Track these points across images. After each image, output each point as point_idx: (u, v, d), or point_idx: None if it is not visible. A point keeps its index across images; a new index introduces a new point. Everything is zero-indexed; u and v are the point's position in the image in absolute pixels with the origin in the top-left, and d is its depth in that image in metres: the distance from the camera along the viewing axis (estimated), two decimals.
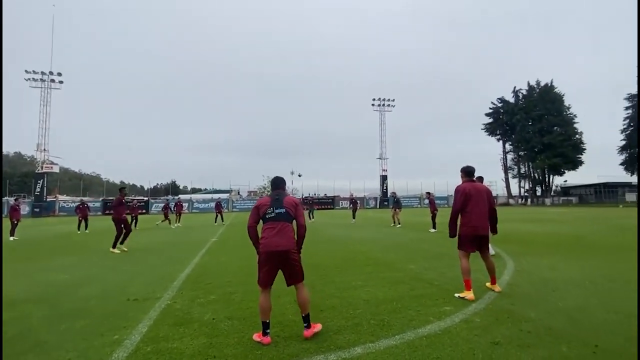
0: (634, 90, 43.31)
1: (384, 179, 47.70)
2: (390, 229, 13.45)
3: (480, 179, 6.82)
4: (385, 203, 45.66)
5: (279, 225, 2.97)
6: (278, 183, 3.27)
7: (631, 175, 45.77)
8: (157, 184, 76.87)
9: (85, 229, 14.45)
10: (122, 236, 8.38)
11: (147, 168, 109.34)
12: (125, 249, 8.45)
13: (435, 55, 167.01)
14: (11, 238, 11.57)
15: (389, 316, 3.39)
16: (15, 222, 12.09)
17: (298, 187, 51.08)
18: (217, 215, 18.81)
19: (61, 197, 41.47)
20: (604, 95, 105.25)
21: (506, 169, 56.88)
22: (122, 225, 8.29)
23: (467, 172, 4.27)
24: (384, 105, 49.23)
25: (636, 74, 42.19)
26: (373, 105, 49.33)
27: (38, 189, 35.70)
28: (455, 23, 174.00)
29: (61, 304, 4.04)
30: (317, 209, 30.83)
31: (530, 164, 52.91)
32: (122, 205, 8.44)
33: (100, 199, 40.28)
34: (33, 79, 37.50)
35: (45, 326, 3.33)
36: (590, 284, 4.45)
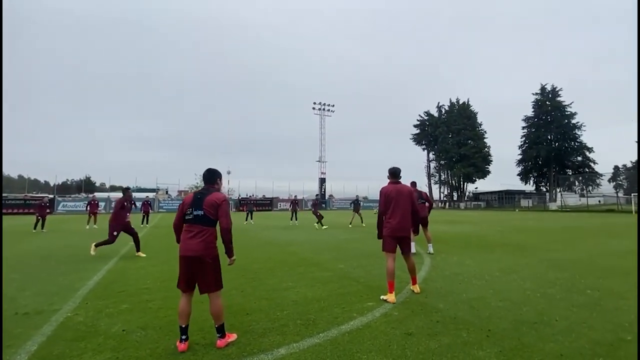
0: (529, 113, 51.71)
1: (322, 181, 48.81)
2: (324, 230, 13.76)
3: (413, 183, 7.33)
4: (324, 205, 46.74)
5: (195, 228, 2.76)
6: (209, 177, 2.99)
7: (525, 184, 54.54)
8: (67, 179, 67.06)
9: None
10: (136, 242, 7.42)
11: (53, 161, 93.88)
12: (143, 255, 7.24)
13: (374, 67, 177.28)
14: None
15: (315, 315, 3.45)
16: None
17: (234, 187, 49.33)
18: (143, 216, 17.08)
19: None
20: (507, 115, 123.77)
21: (429, 176, 62.96)
22: (116, 233, 7.10)
23: (393, 173, 4.33)
24: (324, 109, 50.52)
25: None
26: (314, 108, 50.29)
27: None
28: (391, 40, 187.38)
29: None
30: (256, 210, 30.08)
31: (449, 171, 59.38)
32: (124, 209, 7.23)
33: None
34: None
35: None
36: (489, 277, 5.15)
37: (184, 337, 2.67)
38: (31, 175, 72.39)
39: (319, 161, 49.52)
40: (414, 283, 4.35)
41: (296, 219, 18.34)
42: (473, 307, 3.70)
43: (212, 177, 3.01)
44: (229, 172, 50.80)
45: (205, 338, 2.88)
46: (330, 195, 51.30)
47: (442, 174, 62.46)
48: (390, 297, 3.91)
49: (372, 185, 56.47)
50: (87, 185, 57.85)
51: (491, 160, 56.25)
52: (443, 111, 61.20)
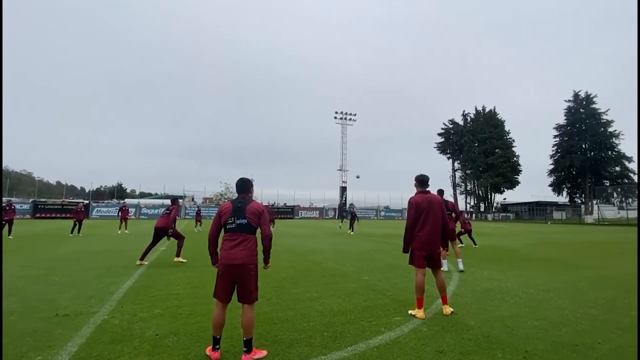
0: (561, 121, 49.36)
1: (343, 190, 48.67)
2: (346, 239, 13.66)
3: (441, 192, 6.71)
4: (344, 214, 46.51)
5: (239, 237, 2.81)
6: (243, 187, 3.04)
7: (557, 195, 51.72)
8: (101, 186, 70.79)
9: (9, 234, 12.72)
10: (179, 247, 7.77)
11: (89, 169, 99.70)
12: (184, 260, 7.52)
13: (397, 75, 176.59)
14: None
15: (342, 328, 3.41)
16: None
17: (257, 195, 50.10)
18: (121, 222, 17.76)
19: None
20: (537, 124, 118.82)
21: (455, 186, 61.18)
22: (159, 236, 7.55)
23: (421, 181, 4.04)
24: (345, 118, 50.69)
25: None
26: (335, 117, 50.57)
27: None
28: (414, 48, 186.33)
29: None
30: (277, 218, 30.42)
31: (475, 181, 57.48)
32: (168, 214, 7.75)
33: (30, 200, 35.92)
34: None
35: None
36: (523, 294, 4.89)
37: (217, 346, 2.71)
38: (68, 182, 77.20)
39: (340, 170, 49.53)
40: (445, 302, 3.94)
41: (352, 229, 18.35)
42: (507, 325, 3.52)
43: (245, 186, 3.07)
44: (252, 179, 51.66)
45: (234, 346, 2.92)
46: (351, 204, 51.01)
47: (468, 183, 60.59)
48: (420, 313, 3.76)
49: (395, 195, 55.63)
50: (119, 192, 60.80)
51: (520, 170, 54.01)
52: (468, 119, 59.72)
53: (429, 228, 3.86)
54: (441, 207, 4.01)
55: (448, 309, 3.86)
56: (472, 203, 60.40)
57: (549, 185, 51.99)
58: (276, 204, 44.76)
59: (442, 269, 6.53)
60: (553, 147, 50.86)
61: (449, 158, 62.09)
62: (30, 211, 32.25)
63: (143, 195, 59.61)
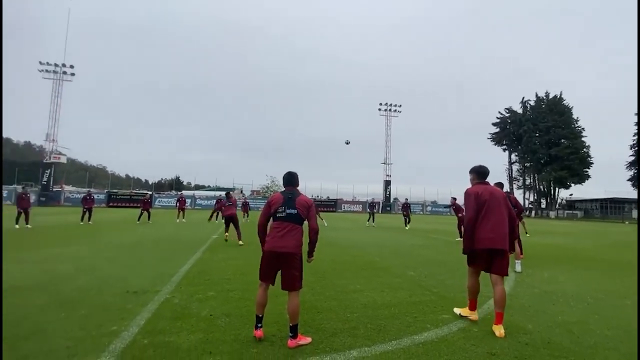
0: None
1: (387, 183, 47.60)
2: (391, 234, 13.39)
3: (500, 185, 5.57)
4: (388, 208, 45.56)
5: (288, 226, 2.92)
6: (291, 180, 3.13)
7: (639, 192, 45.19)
8: (162, 178, 77.43)
9: (89, 220, 14.56)
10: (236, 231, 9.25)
11: (151, 162, 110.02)
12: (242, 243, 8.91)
13: (443, 63, 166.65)
14: (16, 226, 11.70)
15: (386, 321, 3.38)
16: (21, 210, 12.15)
17: (301, 188, 51.09)
18: (218, 213, 18.97)
19: (67, 188, 41.90)
20: (611, 110, 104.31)
21: (511, 180, 56.48)
22: (229, 222, 9.34)
23: (480, 172, 3.54)
24: (390, 110, 49.22)
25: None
26: (379, 110, 49.33)
27: (45, 179, 36.11)
28: (461, 34, 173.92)
29: (61, 293, 4.08)
30: (320, 211, 30.75)
31: (536, 175, 52.49)
32: (231, 205, 9.59)
33: (105, 191, 40.62)
34: (46, 70, 38.03)
35: (44, 314, 3.36)
36: (591, 299, 4.40)
37: (259, 325, 2.86)
38: (135, 175, 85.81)
39: (384, 163, 48.40)
40: (499, 321, 3.14)
41: (371, 221, 18.53)
42: (572, 332, 3.20)
43: (294, 179, 3.17)
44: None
45: (281, 331, 3.04)
46: (395, 199, 49.73)
47: (527, 177, 55.58)
48: (472, 314, 3.44)
49: (442, 190, 53.06)
50: (176, 184, 66.09)
51: (591, 163, 48.14)
52: (528, 107, 54.47)
53: (492, 222, 3.26)
54: (505, 199, 3.43)
55: (501, 330, 3.07)
56: (531, 199, 55.36)
57: (628, 180, 45.65)
58: (319, 197, 45.27)
59: (516, 270, 5.47)
60: (633, 136, 44.42)
61: (505, 150, 57.41)
62: (105, 200, 36.51)
63: (197, 187, 64.22)
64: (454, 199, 12.04)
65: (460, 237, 11.28)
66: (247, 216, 19.80)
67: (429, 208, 48.18)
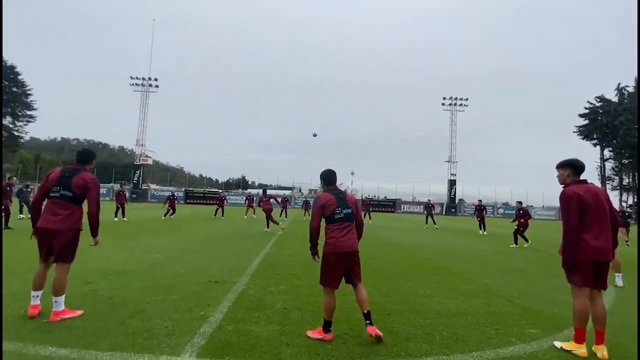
0: None
1: (452, 183, 44.67)
2: (458, 237, 12.55)
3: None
4: (453, 210, 42.78)
5: (348, 225, 2.97)
6: (333, 179, 3.18)
7: None
8: (230, 178, 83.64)
9: (171, 215, 16.40)
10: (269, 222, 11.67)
11: (220, 163, 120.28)
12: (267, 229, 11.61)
13: (516, 51, 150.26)
14: (115, 219, 13.72)
15: (463, 330, 3.18)
16: (118, 205, 14.25)
17: (358, 187, 50.78)
18: (282, 210, 19.93)
19: (152, 186, 47.78)
20: None
21: (604, 179, 48.59)
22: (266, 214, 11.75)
23: (577, 167, 2.96)
24: (455, 104, 46.08)
25: None
26: (443, 104, 46.50)
27: (136, 178, 41.73)
28: (537, 18, 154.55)
29: (156, 278, 4.67)
30: (373, 211, 30.10)
31: (636, 174, 44.36)
32: (267, 201, 12.13)
33: (183, 189, 45.34)
34: (136, 84, 43.86)
35: (144, 296, 3.87)
36: None
37: (330, 329, 2.86)
38: (207, 174, 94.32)
39: (448, 161, 45.53)
40: (600, 341, 2.76)
41: (427, 223, 17.58)
42: None
43: (335, 177, 3.22)
44: (352, 173, 52.72)
45: (353, 330, 3.06)
46: (461, 200, 46.44)
47: (624, 176, 47.31)
48: (580, 348, 2.73)
49: (516, 191, 48.02)
50: (243, 183, 70.84)
51: None
52: (626, 94, 46.27)
53: (598, 230, 2.79)
54: (609, 201, 2.95)
55: (604, 352, 2.68)
56: (630, 201, 46.94)
57: None
58: (376, 197, 44.43)
59: (617, 284, 4.82)
60: None
61: (595, 144, 49.60)
62: (183, 198, 40.81)
63: (261, 186, 67.93)
64: (520, 202, 11.51)
65: (515, 244, 10.32)
66: (308, 214, 20.45)
67: (500, 210, 44.02)
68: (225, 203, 19.66)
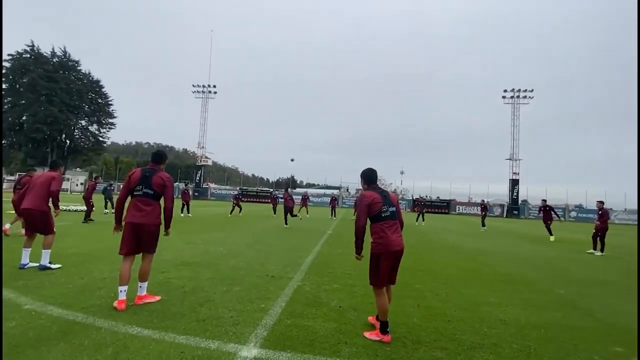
0: None
1: (514, 183, 40.94)
2: (523, 242, 11.46)
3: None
4: (515, 212, 39.21)
5: (394, 224, 2.95)
6: (374, 177, 3.14)
7: None
8: (279, 177, 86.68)
9: (239, 212, 17.61)
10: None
11: (271, 163, 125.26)
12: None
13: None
14: (181, 214, 15.05)
15: (536, 344, 2.90)
16: (184, 203, 15.65)
17: (409, 187, 49.09)
18: (331, 210, 20.10)
19: (212, 185, 51.46)
20: None
21: None
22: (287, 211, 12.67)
23: None
24: (518, 96, 42.13)
25: None
26: (504, 97, 42.81)
27: (197, 178, 45.33)
28: None
29: (220, 270, 5.02)
30: (426, 212, 28.63)
31: None
32: (290, 199, 12.91)
33: (238, 188, 48.09)
34: (197, 91, 47.57)
35: (211, 286, 4.19)
36: None
37: (387, 330, 2.81)
38: (259, 174, 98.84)
39: (509, 159, 41.79)
40: None
41: (483, 225, 16.27)
42: None
43: (375, 176, 3.16)
44: (402, 172, 51.21)
45: (411, 333, 2.98)
46: (524, 201, 42.32)
47: None
48: None
49: (592, 192, 42.35)
50: (292, 183, 72.91)
51: None
52: None
53: None
54: None
55: None
56: None
57: None
58: (428, 197, 42.45)
59: None
60: None
61: None
62: (238, 195, 43.34)
63: (309, 185, 69.26)
64: (601, 202, 9.91)
65: (594, 248, 9.22)
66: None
67: (572, 213, 39.23)
68: (278, 202, 20.45)
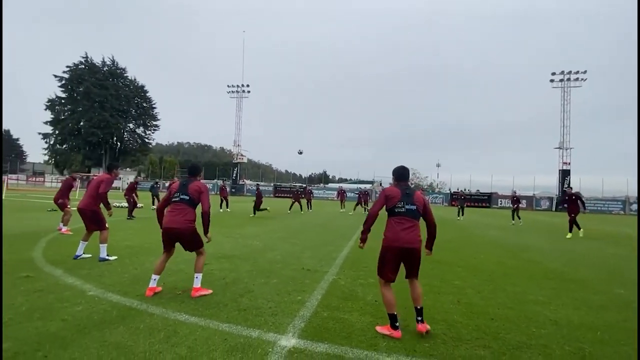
0: None
1: (565, 174, 37.77)
2: (573, 239, 10.58)
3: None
4: (565, 205, 36.19)
5: (410, 222, 2.87)
6: (405, 175, 3.09)
7: None
8: (312, 173, 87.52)
9: (309, 207, 18.64)
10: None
11: (303, 159, 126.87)
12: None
13: None
14: (221, 210, 15.78)
15: (591, 347, 2.69)
16: (222, 198, 16.43)
17: (445, 180, 47.19)
18: (362, 204, 19.96)
19: (247, 182, 53.24)
20: None
21: None
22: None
23: None
24: (569, 79, 38.59)
25: None
26: (552, 81, 39.41)
27: (234, 175, 47.14)
28: None
29: (258, 263, 5.21)
30: (467, 206, 27.27)
31: None
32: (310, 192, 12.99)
33: (272, 184, 49.30)
34: (232, 91, 49.21)
35: (250, 278, 4.36)
36: None
37: (397, 324, 2.75)
38: (292, 170, 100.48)
39: (559, 148, 38.57)
40: None
41: (513, 219, 15.13)
42: None
43: (407, 174, 3.12)
44: (438, 165, 49.34)
45: (451, 331, 2.90)
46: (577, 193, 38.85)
47: None
48: None
49: None
50: (324, 178, 73.29)
51: None
52: None
53: None
54: None
55: None
56: None
57: None
58: (467, 190, 40.50)
59: None
60: None
61: None
62: (272, 192, 44.44)
63: (341, 180, 69.19)
64: None
65: None
66: None
67: (634, 207, 35.41)
68: (312, 196, 20.72)
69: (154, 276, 3.61)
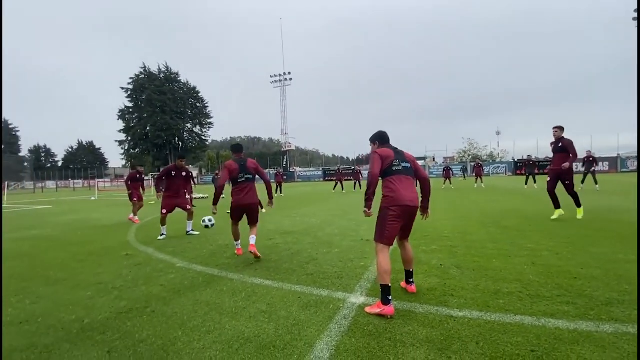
0: None
1: None
2: None
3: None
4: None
5: (408, 180, 2.72)
6: (386, 138, 2.96)
7: None
8: (360, 154, 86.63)
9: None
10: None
11: (352, 141, 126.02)
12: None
13: None
14: (275, 194, 16.61)
15: None
16: (278, 184, 17.33)
17: (508, 148, 43.17)
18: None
19: (297, 169, 54.71)
20: None
21: None
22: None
23: None
24: None
25: None
26: (636, 19, 33.09)
27: (284, 163, 48.75)
28: None
29: (318, 237, 5.42)
30: (537, 174, 24.50)
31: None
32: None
33: (320, 169, 49.99)
34: (275, 80, 50.32)
35: (313, 249, 4.58)
36: None
37: (389, 297, 2.43)
38: (339, 154, 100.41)
39: None
40: None
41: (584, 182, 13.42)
42: None
43: (387, 137, 2.98)
44: (498, 133, 45.34)
45: (527, 289, 2.76)
46: None
47: None
48: None
49: None
50: (359, 161, 72.06)
51: None
52: None
53: None
54: None
55: None
56: None
57: None
58: (535, 157, 36.58)
59: None
60: None
61: None
62: (321, 176, 45.12)
63: None
64: None
65: None
66: (447, 182, 19.06)
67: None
68: (362, 177, 20.64)
69: (236, 243, 4.39)
